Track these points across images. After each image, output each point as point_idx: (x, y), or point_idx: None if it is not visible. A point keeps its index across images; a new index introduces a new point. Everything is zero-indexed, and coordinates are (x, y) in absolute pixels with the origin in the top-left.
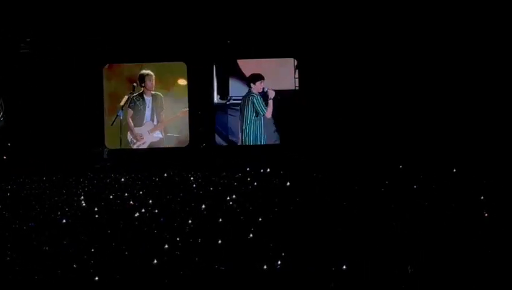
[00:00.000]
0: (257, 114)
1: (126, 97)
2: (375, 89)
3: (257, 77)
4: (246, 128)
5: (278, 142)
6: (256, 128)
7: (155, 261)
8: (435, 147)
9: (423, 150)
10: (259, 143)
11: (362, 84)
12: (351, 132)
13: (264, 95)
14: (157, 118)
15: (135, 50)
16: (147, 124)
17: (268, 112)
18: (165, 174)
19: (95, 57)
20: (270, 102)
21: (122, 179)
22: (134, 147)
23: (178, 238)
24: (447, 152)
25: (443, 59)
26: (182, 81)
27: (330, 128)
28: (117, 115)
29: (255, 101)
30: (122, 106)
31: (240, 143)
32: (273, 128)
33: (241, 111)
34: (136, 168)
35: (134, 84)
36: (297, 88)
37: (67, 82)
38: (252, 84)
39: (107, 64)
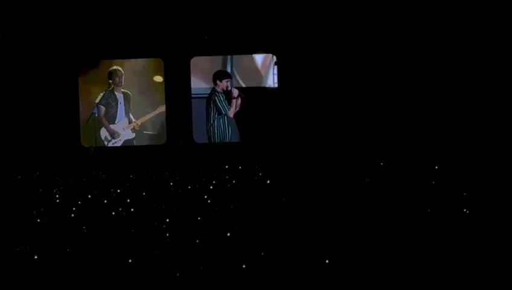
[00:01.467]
0: (219, 113)
1: (101, 94)
2: (356, 85)
3: (223, 75)
4: (210, 127)
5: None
6: (220, 126)
7: (130, 260)
8: (416, 144)
9: (404, 147)
10: (226, 141)
11: (344, 81)
12: (331, 129)
13: (228, 93)
14: (127, 116)
15: (113, 47)
16: (122, 121)
17: (231, 112)
18: (142, 173)
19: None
20: (233, 101)
21: (99, 177)
22: (109, 144)
23: (156, 238)
24: (429, 149)
25: (426, 53)
26: (158, 78)
27: (308, 125)
28: (92, 113)
29: (216, 99)
30: (98, 104)
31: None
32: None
33: (206, 109)
34: (113, 166)
35: (110, 81)
36: (276, 85)
37: (41, 80)
38: (217, 82)
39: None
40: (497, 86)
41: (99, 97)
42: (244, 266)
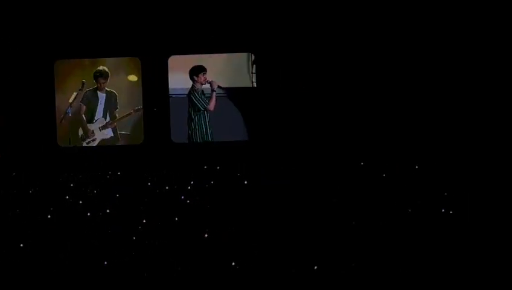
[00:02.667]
0: (198, 109)
1: (75, 94)
2: (339, 84)
3: (198, 69)
4: (190, 124)
5: (245, 138)
6: (201, 124)
7: (105, 262)
8: (396, 144)
9: (385, 146)
10: (207, 139)
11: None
12: (313, 129)
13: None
14: (109, 115)
15: (87, 45)
16: (99, 121)
17: (211, 105)
18: (119, 173)
19: (46, 52)
20: (213, 94)
21: (75, 178)
22: (84, 144)
23: (133, 238)
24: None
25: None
26: (132, 77)
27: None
28: (66, 112)
29: (192, 97)
30: (71, 103)
31: (186, 141)
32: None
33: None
34: (88, 166)
35: (84, 80)
36: (254, 84)
37: (15, 77)
38: (194, 78)
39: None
40: (492, 85)
41: (72, 97)
42: (222, 267)
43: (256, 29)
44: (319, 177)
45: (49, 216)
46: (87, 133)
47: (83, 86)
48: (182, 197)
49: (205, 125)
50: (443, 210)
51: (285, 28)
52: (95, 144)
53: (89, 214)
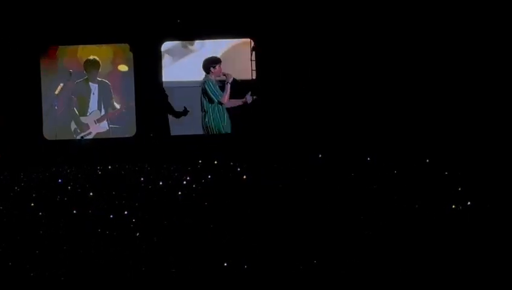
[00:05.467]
0: (212, 101)
1: (61, 85)
2: (346, 74)
3: (215, 60)
4: (204, 116)
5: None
6: (216, 114)
7: (100, 260)
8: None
9: (393, 141)
10: (222, 132)
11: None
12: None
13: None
14: (104, 107)
15: (75, 31)
16: (93, 114)
17: (225, 97)
18: (109, 167)
19: (32, 39)
20: (228, 86)
21: (64, 172)
22: (78, 137)
23: (125, 236)
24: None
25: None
26: (123, 67)
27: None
28: (52, 105)
29: (206, 87)
30: (57, 95)
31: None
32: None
33: (200, 99)
34: (79, 160)
35: (71, 70)
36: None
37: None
38: (211, 69)
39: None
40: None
41: (58, 88)
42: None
43: (256, 14)
44: (324, 173)
45: (35, 212)
46: (82, 128)
47: (70, 77)
48: (178, 192)
49: (221, 116)
50: (453, 206)
51: (287, 13)
52: (90, 137)
53: (78, 210)
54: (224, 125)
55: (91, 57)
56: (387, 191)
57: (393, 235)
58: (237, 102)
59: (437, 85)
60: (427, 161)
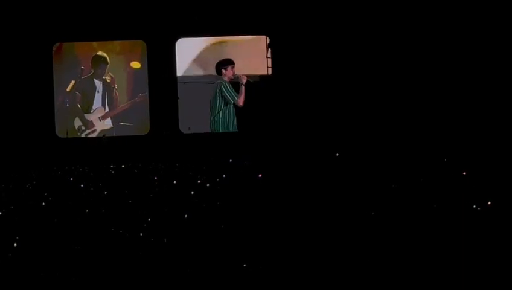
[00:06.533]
0: (226, 103)
1: (73, 82)
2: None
3: (227, 62)
4: (214, 117)
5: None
6: (225, 116)
7: (112, 260)
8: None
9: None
10: (230, 131)
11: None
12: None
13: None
14: (109, 104)
15: (88, 27)
16: (97, 110)
17: (241, 100)
18: (123, 166)
19: (45, 35)
20: (243, 88)
21: (76, 171)
22: (83, 135)
23: (139, 236)
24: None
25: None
26: (136, 64)
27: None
28: (64, 102)
29: (223, 88)
30: (69, 92)
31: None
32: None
33: (211, 100)
34: (89, 158)
35: (82, 67)
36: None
37: (12, 63)
38: (223, 71)
39: (58, 44)
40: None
41: (70, 85)
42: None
43: (271, 11)
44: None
45: (47, 212)
46: (87, 125)
47: (81, 73)
48: (192, 192)
49: (229, 118)
50: (474, 206)
51: (303, 10)
52: (94, 135)
53: (90, 210)
54: (233, 128)
55: (99, 53)
56: (405, 191)
57: (412, 236)
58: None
59: (452, 84)
60: (445, 160)
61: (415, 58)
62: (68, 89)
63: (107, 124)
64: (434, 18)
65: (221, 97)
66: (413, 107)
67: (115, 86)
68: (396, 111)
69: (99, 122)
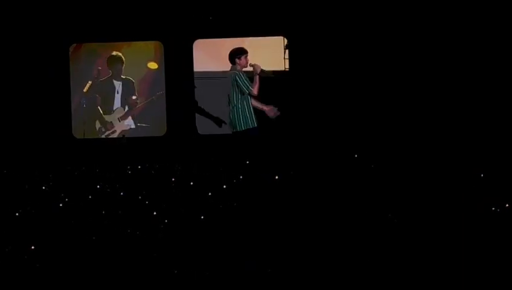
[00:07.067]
0: (243, 93)
1: (90, 83)
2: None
3: (240, 51)
4: (233, 109)
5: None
6: (245, 109)
7: (128, 262)
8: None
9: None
10: (250, 126)
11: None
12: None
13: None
14: (128, 105)
15: (105, 28)
16: (117, 111)
17: (255, 89)
18: (139, 167)
19: (62, 36)
20: (257, 78)
21: (92, 172)
22: (103, 136)
23: (156, 237)
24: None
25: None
26: (153, 65)
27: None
28: (80, 102)
29: (237, 78)
30: (86, 93)
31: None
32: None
33: (228, 94)
34: (106, 159)
35: (99, 68)
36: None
37: (30, 64)
38: (236, 60)
39: (74, 45)
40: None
41: (87, 86)
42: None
43: (289, 11)
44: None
45: (63, 213)
46: (106, 126)
47: (98, 74)
48: (209, 193)
49: (249, 110)
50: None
51: (319, 11)
52: (114, 136)
53: (107, 211)
54: (251, 118)
55: (114, 53)
56: (423, 193)
57: (431, 239)
58: (261, 106)
59: (475, 87)
60: (464, 162)
61: (438, 58)
62: (85, 90)
63: (127, 124)
64: (448, 18)
65: (237, 87)
66: (433, 108)
67: (134, 87)
68: (416, 112)
69: (119, 122)
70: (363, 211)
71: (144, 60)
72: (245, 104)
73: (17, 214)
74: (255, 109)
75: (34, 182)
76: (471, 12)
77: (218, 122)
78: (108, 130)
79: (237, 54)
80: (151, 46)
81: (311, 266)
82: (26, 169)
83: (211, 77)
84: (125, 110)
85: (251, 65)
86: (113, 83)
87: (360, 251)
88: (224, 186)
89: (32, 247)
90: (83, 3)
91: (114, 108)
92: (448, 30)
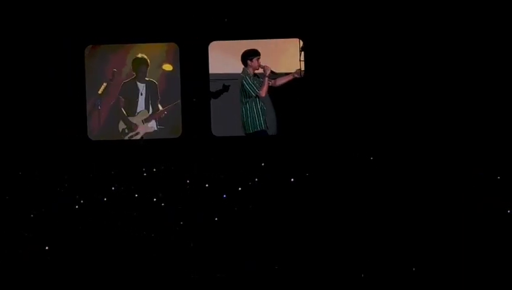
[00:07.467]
0: (249, 96)
1: (104, 84)
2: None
3: (252, 53)
4: (242, 108)
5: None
6: (253, 111)
7: (143, 263)
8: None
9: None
10: (258, 129)
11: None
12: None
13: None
14: (152, 107)
15: (120, 29)
16: (141, 113)
17: (263, 91)
18: (155, 169)
19: (78, 37)
20: (266, 79)
21: (108, 174)
22: (126, 138)
23: (171, 239)
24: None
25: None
26: (168, 67)
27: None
28: (95, 104)
29: (244, 82)
30: (101, 94)
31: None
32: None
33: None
34: (121, 161)
35: (115, 70)
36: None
37: (45, 65)
38: (248, 62)
39: (90, 46)
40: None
41: (102, 87)
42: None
43: (305, 13)
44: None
45: (78, 215)
46: (132, 127)
47: (113, 76)
48: (224, 195)
49: (257, 112)
50: (508, 211)
51: (336, 11)
52: (137, 138)
53: (122, 213)
54: (260, 121)
55: (139, 55)
56: (440, 196)
57: (448, 240)
58: (287, 78)
59: (496, 89)
60: (480, 166)
61: (456, 61)
62: (100, 92)
63: (151, 126)
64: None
65: (243, 90)
66: (450, 111)
67: (157, 89)
68: (432, 115)
69: (143, 125)
70: (377, 213)
71: (159, 61)
72: (253, 106)
73: (32, 215)
74: (265, 111)
75: (49, 183)
76: (489, 15)
77: (234, 124)
78: (133, 131)
79: (249, 56)
80: (166, 48)
81: (328, 267)
82: (41, 171)
83: (227, 78)
84: (149, 112)
85: (261, 67)
86: (137, 85)
87: (376, 253)
88: (240, 189)
89: (47, 248)
90: (98, 5)
91: (138, 110)
92: (467, 37)
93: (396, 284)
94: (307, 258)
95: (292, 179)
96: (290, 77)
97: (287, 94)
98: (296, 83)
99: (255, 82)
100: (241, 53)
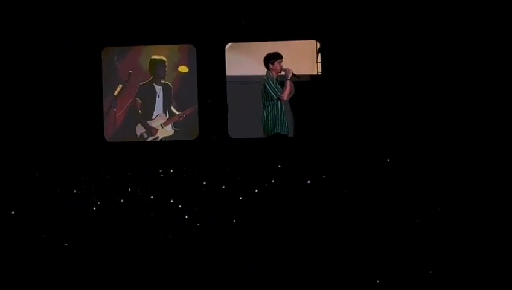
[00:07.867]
0: (271, 99)
1: (120, 86)
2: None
3: (274, 56)
4: (264, 112)
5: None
6: (273, 112)
7: (160, 264)
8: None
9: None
10: (279, 132)
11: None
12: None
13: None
14: (168, 110)
15: (137, 31)
16: (159, 117)
17: (285, 94)
18: (171, 170)
19: (94, 39)
20: (287, 83)
21: (124, 176)
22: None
23: (188, 241)
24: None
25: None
26: (183, 69)
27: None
28: (111, 106)
29: (266, 85)
30: (116, 96)
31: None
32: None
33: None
34: (138, 163)
35: (130, 71)
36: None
37: (61, 67)
38: (270, 65)
39: (106, 48)
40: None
41: (117, 89)
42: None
43: (322, 15)
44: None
45: (95, 216)
46: (151, 131)
47: (129, 78)
48: (240, 197)
49: (279, 115)
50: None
51: (354, 13)
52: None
53: (138, 214)
54: (281, 124)
55: (156, 57)
56: (455, 198)
57: (464, 241)
58: (288, 88)
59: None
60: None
61: (472, 61)
62: (115, 93)
63: (168, 130)
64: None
65: (265, 93)
66: (467, 112)
67: (172, 93)
68: (448, 117)
69: (161, 128)
70: (393, 215)
71: (175, 63)
72: (275, 109)
73: (49, 217)
74: (286, 115)
75: (65, 185)
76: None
77: (250, 126)
78: (153, 136)
79: (271, 59)
80: (182, 50)
81: (346, 268)
82: (57, 172)
83: (244, 80)
84: (167, 116)
85: (283, 70)
86: (154, 87)
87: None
88: (256, 190)
89: (64, 248)
90: (114, 7)
91: (155, 113)
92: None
93: (410, 285)
94: (324, 260)
95: (308, 181)
96: (289, 85)
97: (304, 96)
98: (313, 85)
99: (277, 85)
100: (263, 56)
